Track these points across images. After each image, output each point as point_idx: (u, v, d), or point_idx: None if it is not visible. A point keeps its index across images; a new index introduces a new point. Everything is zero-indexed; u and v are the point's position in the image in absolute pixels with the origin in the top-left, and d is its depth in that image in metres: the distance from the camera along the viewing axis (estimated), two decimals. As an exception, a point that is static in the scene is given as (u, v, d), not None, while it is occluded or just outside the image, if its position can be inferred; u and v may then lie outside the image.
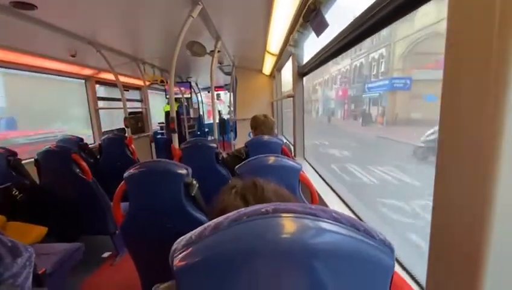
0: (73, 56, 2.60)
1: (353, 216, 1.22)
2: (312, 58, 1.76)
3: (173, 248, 0.33)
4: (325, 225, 0.30)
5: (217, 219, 0.33)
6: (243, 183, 0.55)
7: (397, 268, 0.82)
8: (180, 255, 0.31)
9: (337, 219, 0.31)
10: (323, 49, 1.43)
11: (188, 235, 0.33)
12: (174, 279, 0.31)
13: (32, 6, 1.53)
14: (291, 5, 1.57)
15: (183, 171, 1.14)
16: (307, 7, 1.26)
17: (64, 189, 1.98)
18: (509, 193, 0.37)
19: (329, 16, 1.28)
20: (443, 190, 0.47)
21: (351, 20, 1.03)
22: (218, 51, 2.53)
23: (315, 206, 0.32)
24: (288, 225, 0.30)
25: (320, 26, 1.17)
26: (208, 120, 7.80)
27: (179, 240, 0.34)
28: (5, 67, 2.44)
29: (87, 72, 3.33)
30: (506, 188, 0.37)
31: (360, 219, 1.18)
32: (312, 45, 1.95)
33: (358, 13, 0.96)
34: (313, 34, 1.50)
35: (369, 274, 0.31)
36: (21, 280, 0.39)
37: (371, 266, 0.31)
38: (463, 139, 0.42)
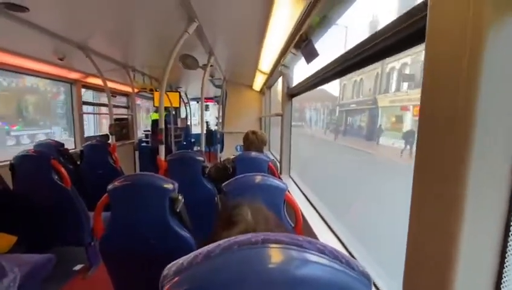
0: (61, 59, 2.55)
1: (335, 239, 1.24)
2: (302, 82, 1.84)
3: (163, 273, 0.34)
4: (310, 256, 0.33)
5: (208, 245, 0.34)
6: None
7: None
8: (170, 282, 0.32)
9: (321, 250, 0.33)
10: (313, 75, 1.50)
11: (179, 261, 0.34)
12: None
13: (24, 9, 1.51)
14: (283, 33, 1.65)
15: (170, 186, 1.13)
16: (298, 36, 1.33)
17: (40, 196, 1.89)
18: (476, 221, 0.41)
19: (320, 44, 1.37)
20: (418, 213, 0.50)
21: (342, 52, 1.09)
22: (211, 65, 2.58)
23: (302, 237, 0.35)
24: (276, 255, 0.32)
25: (310, 55, 1.24)
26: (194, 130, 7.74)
27: (169, 265, 0.35)
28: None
29: (74, 75, 3.26)
30: (473, 211, 0.41)
31: (342, 243, 1.22)
32: (303, 67, 2.04)
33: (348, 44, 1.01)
34: (303, 58, 1.58)
35: None
36: None
37: None
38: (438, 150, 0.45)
